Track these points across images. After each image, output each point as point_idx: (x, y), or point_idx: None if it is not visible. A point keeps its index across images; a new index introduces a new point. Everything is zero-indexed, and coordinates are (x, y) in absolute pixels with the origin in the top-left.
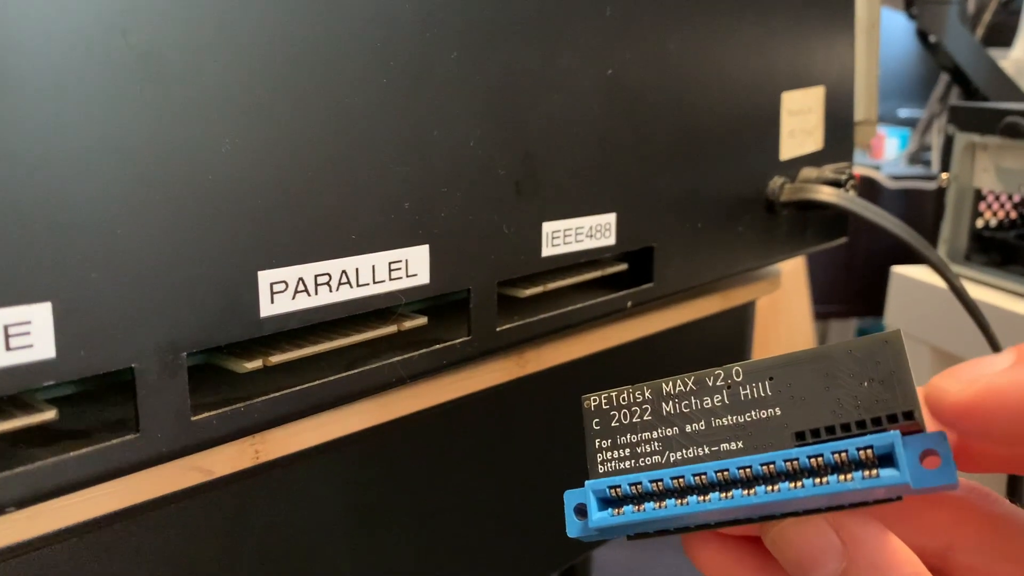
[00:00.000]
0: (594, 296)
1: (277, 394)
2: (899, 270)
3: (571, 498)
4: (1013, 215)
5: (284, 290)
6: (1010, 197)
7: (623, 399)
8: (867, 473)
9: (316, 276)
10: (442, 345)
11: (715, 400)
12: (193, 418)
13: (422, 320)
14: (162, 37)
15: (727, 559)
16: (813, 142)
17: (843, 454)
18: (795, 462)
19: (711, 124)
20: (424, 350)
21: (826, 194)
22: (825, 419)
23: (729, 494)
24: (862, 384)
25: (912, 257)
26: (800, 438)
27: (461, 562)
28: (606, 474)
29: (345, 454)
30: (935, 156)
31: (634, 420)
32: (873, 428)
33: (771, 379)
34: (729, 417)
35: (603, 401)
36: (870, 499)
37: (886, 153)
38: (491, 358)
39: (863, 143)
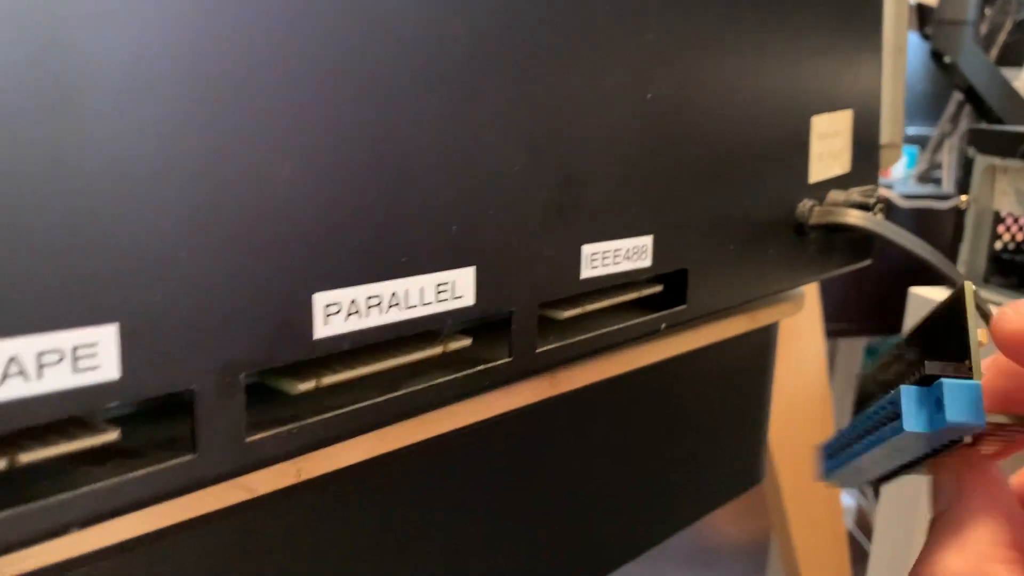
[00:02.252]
0: (628, 318)
1: (328, 415)
2: (917, 291)
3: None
4: None
5: (337, 312)
6: None
7: None
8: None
9: (368, 298)
10: (484, 366)
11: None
12: (247, 439)
13: (467, 341)
14: (228, 65)
15: None
16: (840, 165)
17: None
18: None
19: (744, 148)
20: (467, 371)
21: (855, 217)
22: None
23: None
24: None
25: (925, 277)
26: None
27: None
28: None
29: (380, 472)
30: (946, 175)
31: None
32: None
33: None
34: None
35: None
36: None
37: (894, 171)
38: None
39: (888, 166)
